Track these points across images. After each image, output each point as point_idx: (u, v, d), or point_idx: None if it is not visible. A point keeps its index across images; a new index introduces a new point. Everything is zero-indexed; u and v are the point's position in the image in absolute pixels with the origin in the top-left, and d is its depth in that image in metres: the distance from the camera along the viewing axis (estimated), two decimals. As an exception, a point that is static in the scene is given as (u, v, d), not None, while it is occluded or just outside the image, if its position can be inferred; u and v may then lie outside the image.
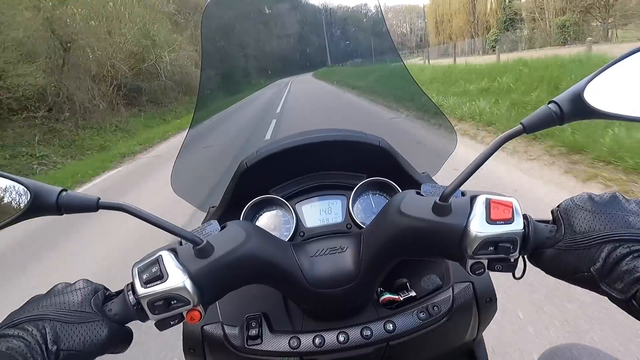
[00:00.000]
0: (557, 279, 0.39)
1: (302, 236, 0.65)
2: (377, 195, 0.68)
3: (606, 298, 0.35)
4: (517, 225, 0.38)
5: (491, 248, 0.38)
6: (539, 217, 0.41)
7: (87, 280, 0.41)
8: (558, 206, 0.40)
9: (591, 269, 0.35)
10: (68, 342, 0.35)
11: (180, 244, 0.43)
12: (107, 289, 0.42)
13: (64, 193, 0.37)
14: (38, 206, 0.36)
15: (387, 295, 0.55)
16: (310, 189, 0.70)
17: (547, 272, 0.39)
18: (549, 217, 0.41)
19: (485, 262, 0.40)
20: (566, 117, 0.36)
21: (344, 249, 0.50)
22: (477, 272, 0.40)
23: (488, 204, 0.39)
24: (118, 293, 0.42)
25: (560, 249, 0.37)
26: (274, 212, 0.67)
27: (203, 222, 0.54)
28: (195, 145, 0.90)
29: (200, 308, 0.40)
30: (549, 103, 0.37)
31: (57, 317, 0.36)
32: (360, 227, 0.64)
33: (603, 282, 0.34)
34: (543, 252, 0.38)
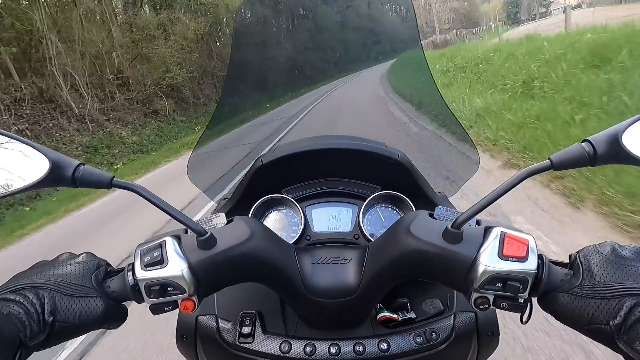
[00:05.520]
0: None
1: (308, 240, 0.64)
2: (389, 209, 0.67)
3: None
4: (531, 265, 0.36)
5: (499, 284, 0.37)
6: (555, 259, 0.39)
7: (92, 254, 0.42)
8: (578, 251, 0.38)
9: (610, 323, 0.32)
10: (64, 315, 0.36)
11: (186, 232, 0.43)
12: (109, 265, 0.43)
13: (81, 167, 0.38)
14: (55, 176, 0.37)
15: (386, 314, 0.53)
16: (322, 194, 0.69)
17: (557, 318, 0.37)
18: (566, 260, 0.39)
19: (491, 298, 0.38)
20: (599, 159, 0.34)
21: (347, 261, 0.49)
22: (480, 307, 0.38)
23: (502, 238, 0.37)
24: (119, 271, 0.42)
25: (576, 294, 0.35)
26: (283, 212, 0.67)
27: (212, 213, 0.54)
28: (214, 136, 0.91)
29: (195, 298, 0.40)
30: (582, 142, 0.35)
31: (57, 288, 0.36)
32: (368, 239, 0.63)
33: (620, 338, 0.32)
34: (556, 296, 0.36)
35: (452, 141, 0.97)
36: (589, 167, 0.35)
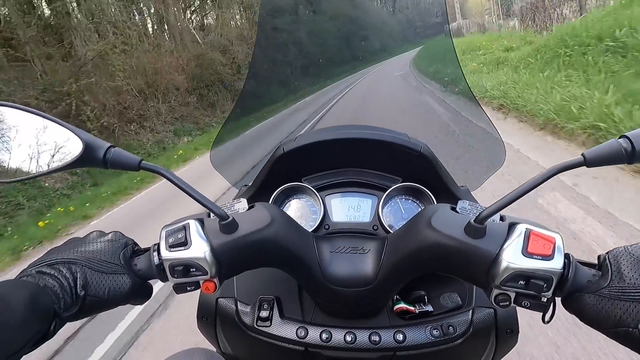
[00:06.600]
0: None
1: (327, 229, 0.64)
2: (409, 201, 0.66)
3: None
4: (556, 264, 0.35)
5: (521, 282, 0.36)
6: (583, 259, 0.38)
7: (120, 233, 0.44)
8: (607, 252, 0.36)
9: (639, 326, 0.31)
10: (95, 289, 0.38)
11: (209, 215, 0.44)
12: (136, 244, 0.44)
13: (112, 149, 0.40)
14: (88, 157, 0.39)
15: (403, 305, 0.53)
16: (342, 184, 0.69)
17: (582, 320, 0.36)
18: (594, 260, 0.38)
19: (513, 295, 0.37)
20: (637, 156, 0.32)
21: (366, 251, 0.49)
22: (501, 304, 0.38)
23: (527, 234, 0.36)
24: (145, 250, 0.44)
25: (602, 296, 0.34)
26: (303, 200, 0.67)
27: (234, 199, 0.55)
28: (237, 124, 0.92)
29: (216, 280, 0.42)
30: (619, 137, 0.33)
31: (89, 264, 0.38)
32: (387, 231, 0.62)
33: None
34: (581, 296, 0.35)
35: (478, 134, 0.94)
36: (625, 164, 0.33)
